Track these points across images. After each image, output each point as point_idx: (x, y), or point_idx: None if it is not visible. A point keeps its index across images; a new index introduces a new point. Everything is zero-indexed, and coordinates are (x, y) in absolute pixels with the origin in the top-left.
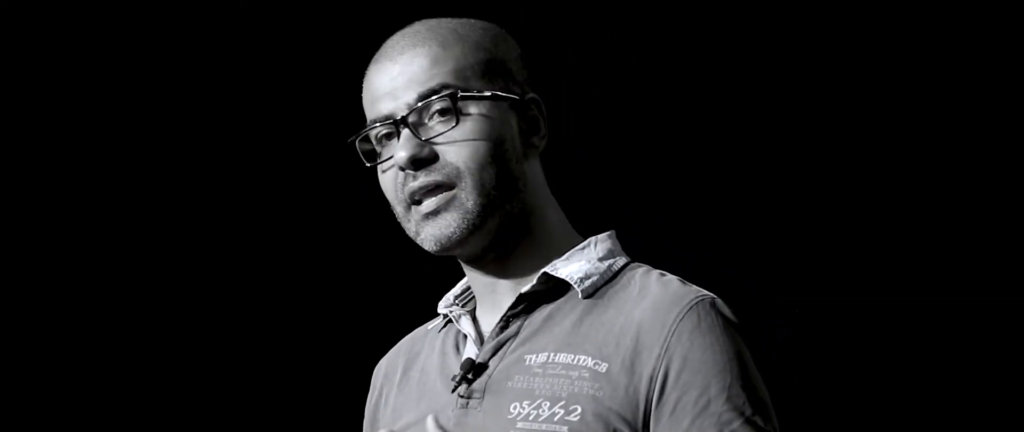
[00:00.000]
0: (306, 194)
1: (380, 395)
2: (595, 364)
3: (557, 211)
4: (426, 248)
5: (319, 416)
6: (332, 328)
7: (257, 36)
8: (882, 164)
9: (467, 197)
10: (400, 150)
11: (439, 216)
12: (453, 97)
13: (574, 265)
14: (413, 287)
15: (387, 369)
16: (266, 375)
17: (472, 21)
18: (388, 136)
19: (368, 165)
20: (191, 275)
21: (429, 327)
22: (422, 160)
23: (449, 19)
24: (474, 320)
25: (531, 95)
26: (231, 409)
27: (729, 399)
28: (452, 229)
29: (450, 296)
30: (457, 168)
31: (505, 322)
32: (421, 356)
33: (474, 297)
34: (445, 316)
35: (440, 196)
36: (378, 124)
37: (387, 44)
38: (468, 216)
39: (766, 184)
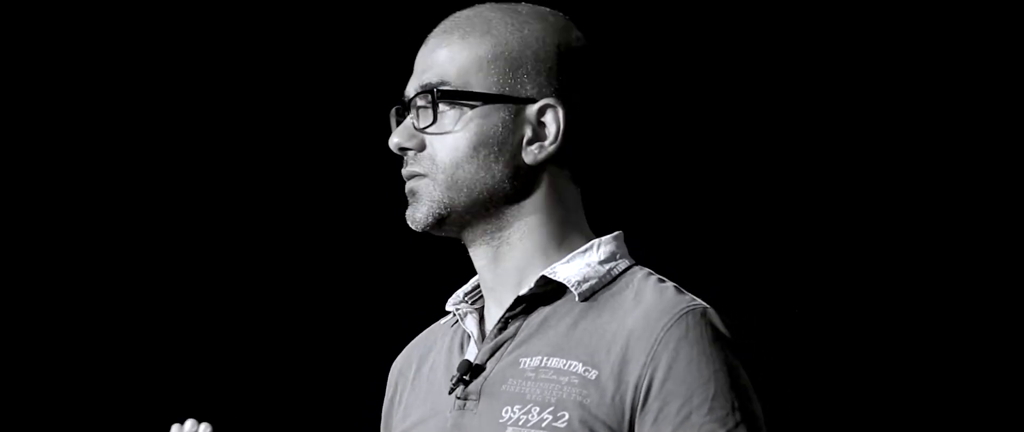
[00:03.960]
0: (321, 190)
1: (395, 392)
2: (585, 370)
3: (568, 213)
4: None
5: (336, 415)
6: (348, 326)
7: (264, 34)
8: (882, 166)
9: (436, 187)
10: (393, 136)
11: (413, 199)
12: (442, 93)
13: (573, 268)
14: (431, 284)
15: (401, 366)
16: (282, 373)
17: (519, 11)
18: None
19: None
20: (200, 276)
21: (443, 323)
22: (409, 148)
23: (498, 6)
24: (482, 318)
25: (545, 101)
26: (248, 408)
27: (711, 411)
28: (421, 214)
29: (460, 293)
30: (434, 161)
31: (503, 323)
32: (432, 352)
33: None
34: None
35: (415, 180)
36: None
37: (441, 22)
38: (434, 206)
39: (764, 184)
